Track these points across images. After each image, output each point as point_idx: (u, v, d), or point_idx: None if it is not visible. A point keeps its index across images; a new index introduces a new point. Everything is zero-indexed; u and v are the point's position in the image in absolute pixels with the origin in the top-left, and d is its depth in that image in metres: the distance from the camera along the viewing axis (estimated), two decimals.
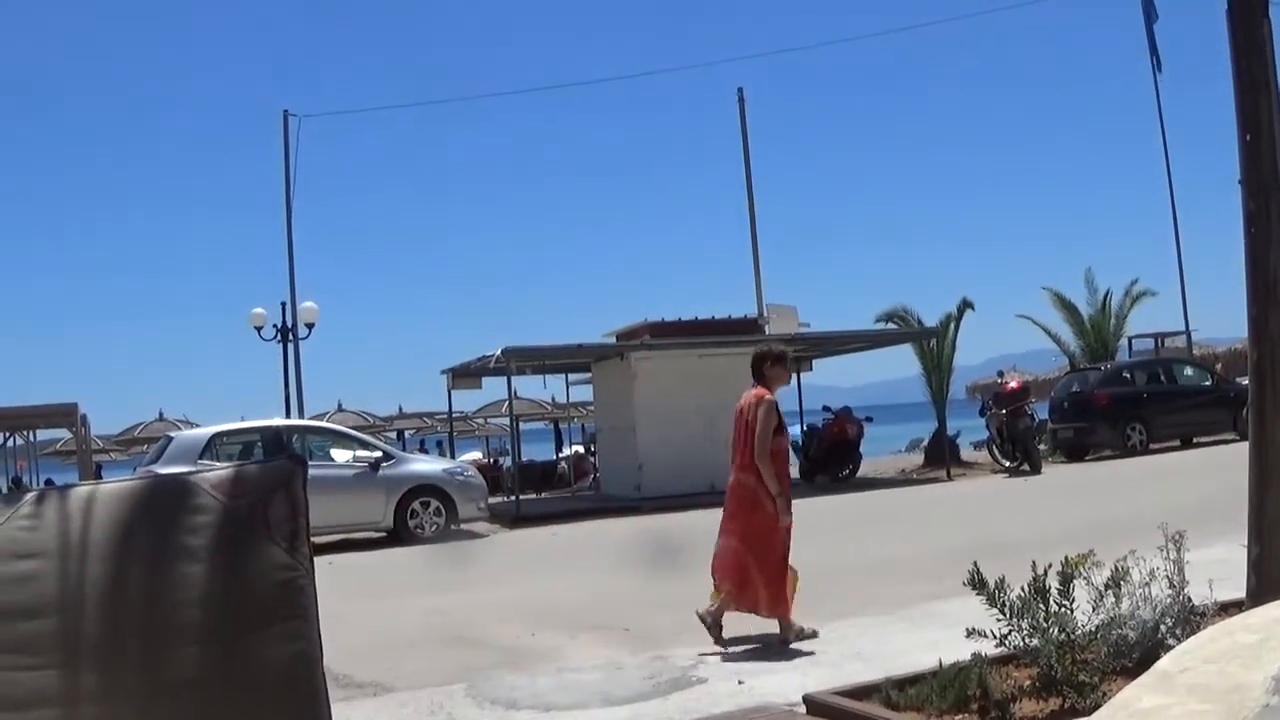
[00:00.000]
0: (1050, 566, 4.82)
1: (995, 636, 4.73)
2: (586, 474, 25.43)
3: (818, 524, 14.34)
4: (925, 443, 25.82)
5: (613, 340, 22.21)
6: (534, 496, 23.15)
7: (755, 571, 6.77)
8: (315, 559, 2.35)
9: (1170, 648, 3.72)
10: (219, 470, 2.31)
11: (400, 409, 37.33)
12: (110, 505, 2.20)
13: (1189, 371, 23.46)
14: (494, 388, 26.03)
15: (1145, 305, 27.67)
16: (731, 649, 6.75)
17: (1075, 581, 4.76)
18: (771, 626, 6.92)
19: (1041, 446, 21.10)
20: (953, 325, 23.14)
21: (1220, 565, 5.61)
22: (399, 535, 15.51)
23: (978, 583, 4.88)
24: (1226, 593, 5.11)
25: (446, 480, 16.13)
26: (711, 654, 6.65)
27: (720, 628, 6.88)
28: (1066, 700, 4.38)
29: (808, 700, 5.03)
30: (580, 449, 29.15)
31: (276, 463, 2.34)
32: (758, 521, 6.83)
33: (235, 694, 2.13)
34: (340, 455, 16.41)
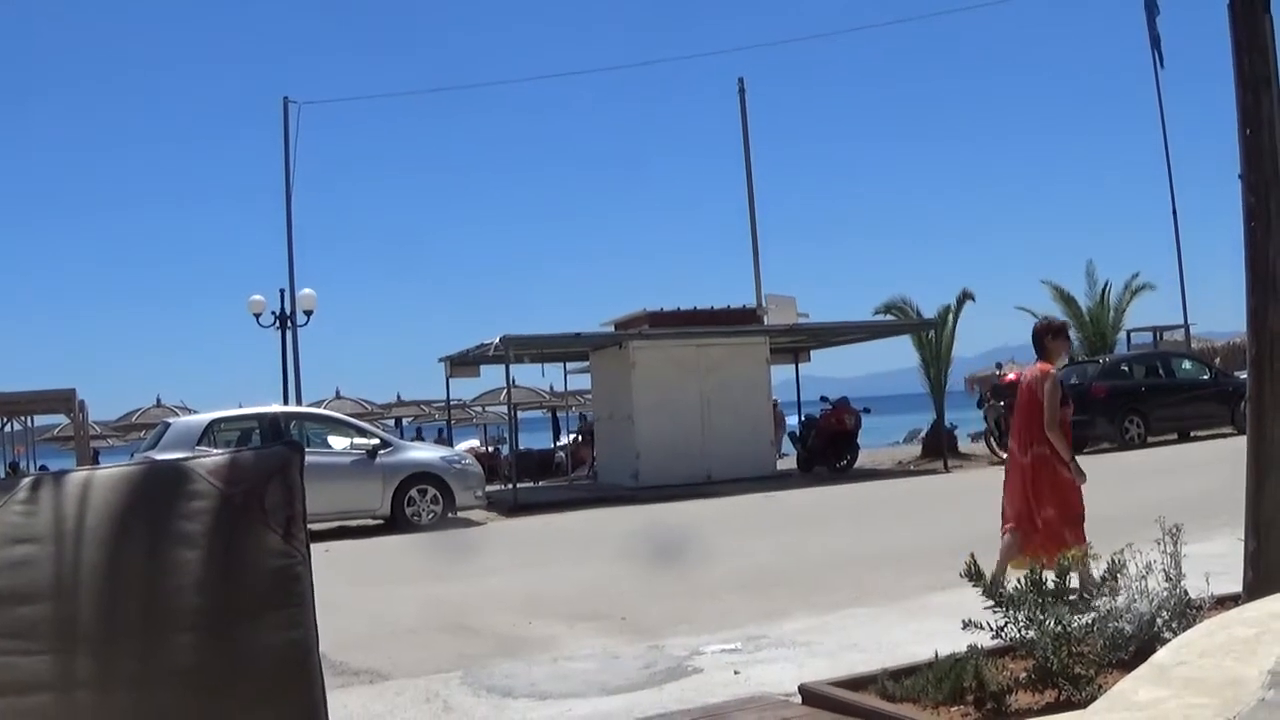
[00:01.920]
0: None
1: (991, 628, 4.74)
2: (584, 463, 25.45)
3: (815, 515, 14.37)
4: (923, 434, 25.85)
5: (611, 329, 22.22)
6: (531, 485, 23.17)
7: (1066, 531, 6.96)
8: (312, 546, 2.34)
9: (1166, 641, 3.72)
10: (216, 456, 2.30)
11: (398, 396, 37.37)
12: (106, 491, 2.20)
13: (1187, 365, 23.48)
14: (492, 376, 26.11)
15: (1144, 298, 27.74)
16: None
17: (1071, 574, 4.76)
18: None
19: None
20: (951, 317, 23.15)
21: (1217, 559, 5.63)
22: (396, 523, 15.54)
23: (974, 574, 4.89)
24: (1223, 586, 5.11)
25: (444, 468, 16.14)
26: (709, 644, 6.66)
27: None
28: (1062, 692, 4.39)
29: (803, 690, 5.03)
30: (578, 437, 29.19)
31: (273, 449, 2.32)
32: (1061, 485, 7.13)
33: (230, 681, 2.13)
34: (338, 442, 16.42)
